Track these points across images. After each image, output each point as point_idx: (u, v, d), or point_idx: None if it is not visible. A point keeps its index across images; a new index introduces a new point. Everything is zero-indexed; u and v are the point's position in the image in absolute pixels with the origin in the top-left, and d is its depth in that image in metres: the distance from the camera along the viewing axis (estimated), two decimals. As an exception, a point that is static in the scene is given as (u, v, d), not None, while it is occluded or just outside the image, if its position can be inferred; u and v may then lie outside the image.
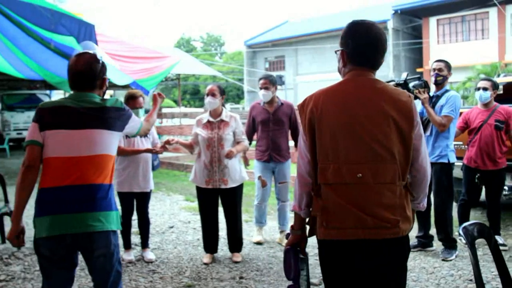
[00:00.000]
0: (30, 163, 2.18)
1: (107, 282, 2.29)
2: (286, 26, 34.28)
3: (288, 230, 4.64)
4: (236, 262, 4.14)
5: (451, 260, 4.11)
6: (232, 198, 4.18)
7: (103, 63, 2.37)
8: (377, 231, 1.73)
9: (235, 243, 4.27)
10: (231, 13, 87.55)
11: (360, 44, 1.83)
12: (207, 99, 4.09)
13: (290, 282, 2.01)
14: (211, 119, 4.10)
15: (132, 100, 4.14)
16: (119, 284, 2.35)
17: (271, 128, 4.54)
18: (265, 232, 4.94)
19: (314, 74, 28.21)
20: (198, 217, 5.85)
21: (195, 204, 6.69)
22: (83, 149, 2.19)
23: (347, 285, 1.82)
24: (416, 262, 4.12)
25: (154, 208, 6.44)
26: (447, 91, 4.15)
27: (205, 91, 4.17)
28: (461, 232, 2.22)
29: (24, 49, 6.98)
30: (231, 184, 4.09)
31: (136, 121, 2.50)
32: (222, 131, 4.05)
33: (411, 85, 3.93)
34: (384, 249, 1.76)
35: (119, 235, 2.55)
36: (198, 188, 4.18)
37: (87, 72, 2.29)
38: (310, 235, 1.94)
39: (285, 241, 4.61)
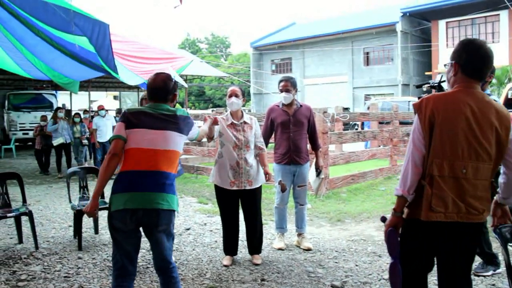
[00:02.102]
0: (115, 152, 2.69)
1: (163, 252, 2.72)
2: (293, 28, 34.32)
3: (305, 233, 4.66)
4: (256, 265, 4.12)
5: (484, 276, 3.81)
6: (254, 199, 4.17)
7: (175, 81, 2.97)
8: (467, 216, 2.14)
9: (256, 244, 4.25)
10: (236, 14, 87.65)
11: (473, 58, 2.17)
12: (232, 100, 4.08)
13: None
14: (234, 121, 4.09)
15: (144, 100, 4.05)
16: (171, 257, 2.78)
17: (292, 130, 4.52)
18: (283, 236, 4.90)
19: (321, 77, 28.24)
20: (214, 219, 5.88)
21: (209, 207, 6.69)
22: (159, 144, 2.71)
23: (428, 260, 2.29)
24: (435, 266, 4.07)
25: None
26: (488, 95, 4.00)
27: (228, 93, 4.17)
28: (494, 234, 2.37)
29: (32, 49, 6.99)
30: (255, 185, 4.10)
31: (196, 128, 3.06)
32: (248, 133, 4.08)
33: (446, 87, 3.83)
34: (469, 231, 2.19)
35: None
36: (220, 189, 4.14)
37: (163, 88, 2.87)
38: (409, 216, 2.23)
39: (304, 244, 4.63)
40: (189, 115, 2.96)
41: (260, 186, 4.23)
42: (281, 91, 4.54)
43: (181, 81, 6.69)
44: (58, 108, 11.66)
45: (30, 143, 14.79)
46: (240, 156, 4.03)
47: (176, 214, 2.79)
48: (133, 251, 2.72)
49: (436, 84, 3.61)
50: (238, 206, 4.21)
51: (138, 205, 2.60)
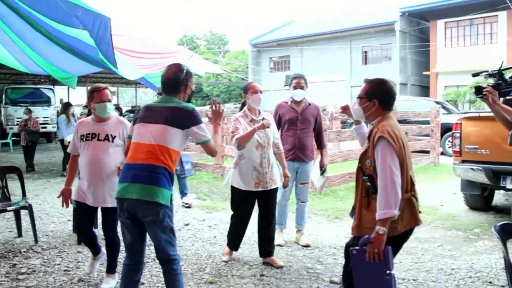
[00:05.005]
0: (126, 150, 3.00)
1: (159, 243, 2.73)
2: (292, 26, 34.26)
3: (304, 230, 4.69)
4: (281, 266, 4.00)
5: None
6: (273, 199, 4.10)
7: (187, 71, 2.90)
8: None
9: (272, 247, 4.11)
10: (234, 11, 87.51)
11: (392, 96, 2.68)
12: (258, 96, 3.98)
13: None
14: (254, 117, 4.00)
15: (96, 93, 3.54)
16: (169, 249, 2.75)
17: (299, 127, 4.54)
18: (282, 232, 4.93)
19: (319, 75, 28.20)
20: (212, 215, 5.92)
21: (208, 203, 6.73)
22: (147, 138, 2.73)
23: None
24: (433, 263, 4.13)
25: (167, 205, 6.43)
26: None
27: (249, 88, 4.01)
28: (493, 231, 2.49)
29: (31, 44, 6.97)
30: (278, 183, 4.03)
31: (203, 133, 2.82)
32: (269, 130, 3.96)
33: (508, 76, 3.41)
34: None
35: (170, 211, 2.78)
36: (241, 192, 3.96)
37: (172, 79, 2.86)
38: (403, 230, 2.53)
39: (303, 240, 4.65)
40: (192, 109, 2.79)
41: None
42: (295, 88, 4.56)
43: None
44: (69, 104, 11.22)
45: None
46: (263, 155, 3.92)
47: (166, 207, 2.70)
48: (132, 241, 2.79)
49: (496, 72, 3.36)
50: (254, 206, 4.14)
51: (124, 195, 2.69)
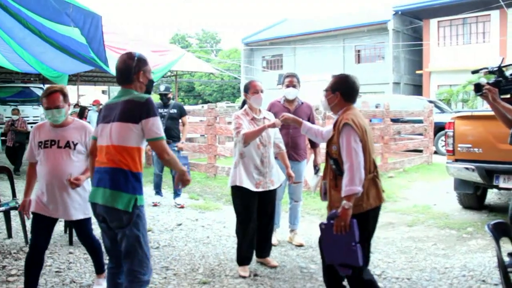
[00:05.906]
0: (90, 151, 2.85)
1: (126, 250, 2.62)
2: (285, 25, 34.20)
3: (297, 229, 4.67)
4: (274, 267, 3.97)
5: None
6: (273, 200, 4.01)
7: (139, 58, 2.69)
8: None
9: (268, 247, 4.08)
10: (227, 10, 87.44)
11: (354, 89, 2.91)
12: (259, 95, 3.90)
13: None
14: (255, 116, 3.94)
15: (45, 98, 3.17)
16: (137, 256, 2.60)
17: (291, 126, 4.49)
18: (275, 232, 4.90)
19: (312, 74, 28.22)
20: (205, 215, 5.88)
21: (201, 202, 6.70)
22: (105, 140, 2.64)
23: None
24: (427, 262, 4.13)
25: (160, 206, 6.41)
26: None
27: (250, 87, 3.94)
28: (487, 229, 2.48)
29: (21, 42, 6.88)
30: (277, 184, 3.97)
31: (157, 130, 2.58)
32: (270, 129, 3.85)
33: (508, 73, 3.36)
34: None
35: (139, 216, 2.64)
36: (244, 193, 3.80)
37: (123, 69, 2.68)
38: (368, 207, 2.74)
39: (296, 240, 4.64)
40: (146, 99, 2.58)
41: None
42: (288, 86, 4.54)
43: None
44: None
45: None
46: (264, 154, 3.85)
47: (131, 213, 2.55)
48: (110, 244, 2.75)
49: (496, 69, 3.31)
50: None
51: (93, 199, 2.67)
